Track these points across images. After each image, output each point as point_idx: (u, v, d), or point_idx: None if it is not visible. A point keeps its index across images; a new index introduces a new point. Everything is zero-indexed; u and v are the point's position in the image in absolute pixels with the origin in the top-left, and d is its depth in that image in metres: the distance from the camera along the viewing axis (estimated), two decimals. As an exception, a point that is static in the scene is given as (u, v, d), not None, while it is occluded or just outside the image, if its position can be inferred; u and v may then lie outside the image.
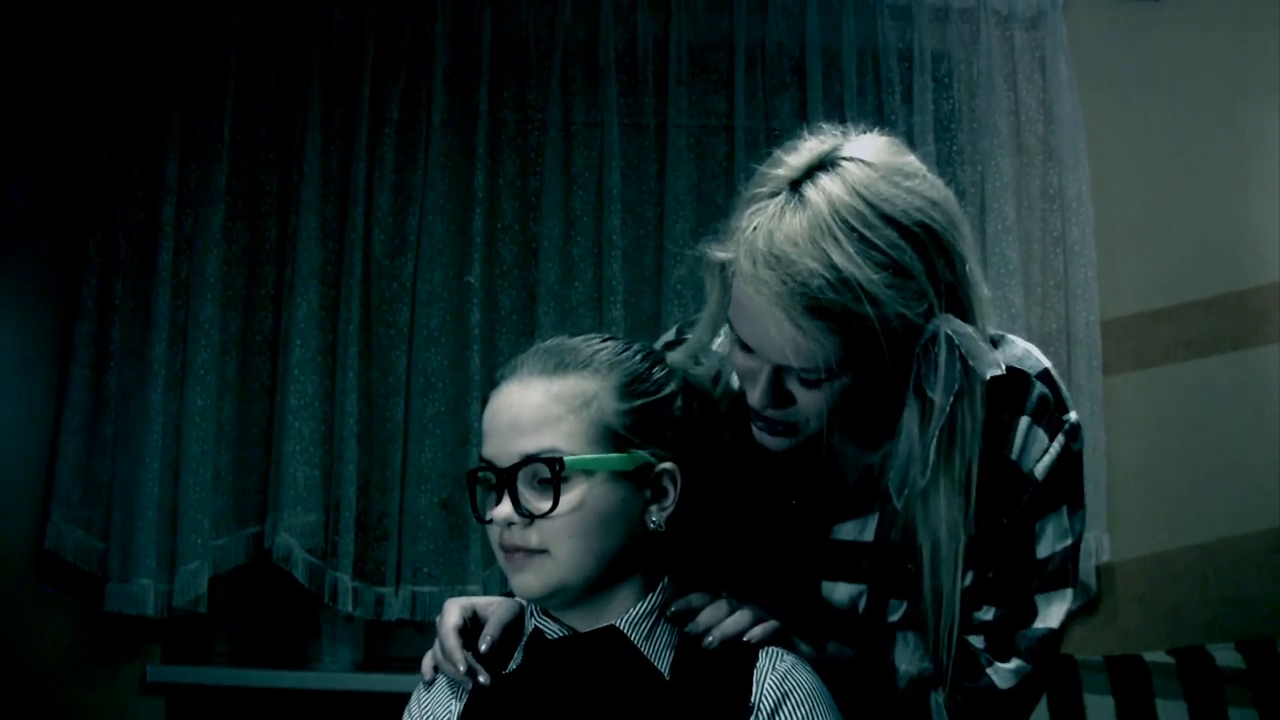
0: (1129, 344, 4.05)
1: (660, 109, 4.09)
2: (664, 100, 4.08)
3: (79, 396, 3.90)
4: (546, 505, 1.75)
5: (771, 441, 1.84)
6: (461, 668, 1.84)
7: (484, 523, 1.81)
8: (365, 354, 3.98)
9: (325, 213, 4.01)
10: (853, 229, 1.64)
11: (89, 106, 3.97)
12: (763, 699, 1.76)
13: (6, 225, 3.89)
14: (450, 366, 3.98)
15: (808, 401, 1.75)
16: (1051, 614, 1.89)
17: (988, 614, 1.90)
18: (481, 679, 1.83)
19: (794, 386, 1.75)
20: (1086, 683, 3.56)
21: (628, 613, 1.81)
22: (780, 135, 4.01)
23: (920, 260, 1.67)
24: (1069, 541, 1.90)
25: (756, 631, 1.82)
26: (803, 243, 1.64)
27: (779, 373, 1.74)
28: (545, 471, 1.75)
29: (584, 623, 1.82)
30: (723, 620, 1.82)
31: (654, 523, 1.81)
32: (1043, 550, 1.88)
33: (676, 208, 3.99)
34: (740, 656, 1.81)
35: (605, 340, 1.87)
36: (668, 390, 1.85)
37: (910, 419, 1.75)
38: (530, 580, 1.77)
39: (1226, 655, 3.63)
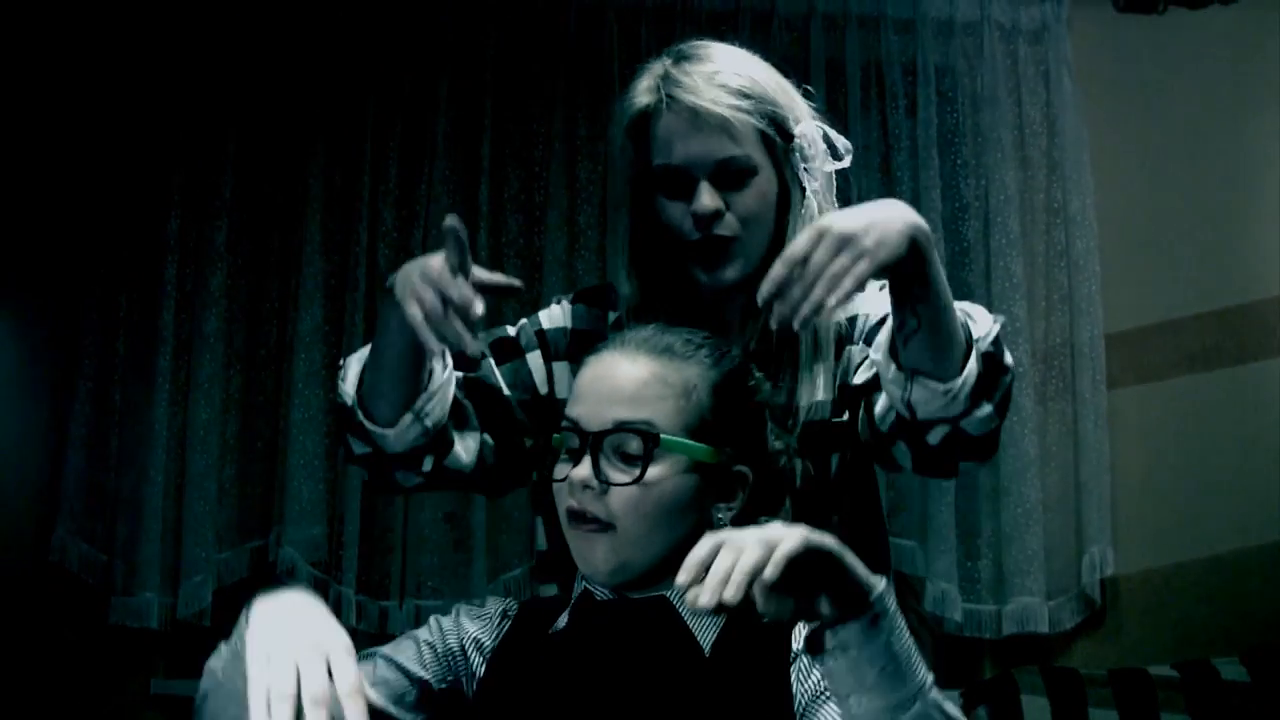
0: (1133, 357, 4.06)
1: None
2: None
3: (84, 410, 3.91)
4: (627, 477, 1.76)
5: (716, 271, 2.07)
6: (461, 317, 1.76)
7: (556, 481, 1.82)
8: (370, 368, 3.97)
9: (330, 226, 4.02)
10: (737, 57, 2.13)
11: (95, 120, 3.97)
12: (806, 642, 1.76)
13: (10, 239, 3.89)
14: (455, 380, 3.98)
15: (738, 206, 2.05)
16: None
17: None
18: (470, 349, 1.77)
19: (726, 194, 2.04)
20: (1091, 697, 3.55)
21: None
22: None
23: (784, 80, 2.16)
24: None
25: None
26: (709, 63, 2.09)
27: (713, 179, 2.03)
28: (633, 444, 1.77)
29: (633, 590, 1.82)
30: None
31: (719, 520, 1.82)
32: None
33: (681, 221, 3.99)
34: (779, 630, 1.78)
35: (706, 338, 1.91)
36: (760, 397, 1.92)
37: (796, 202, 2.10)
38: (598, 554, 1.78)
39: (1231, 669, 3.63)
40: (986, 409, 1.92)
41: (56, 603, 3.89)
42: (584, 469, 1.77)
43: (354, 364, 2.06)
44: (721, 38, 3.85)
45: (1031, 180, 4.08)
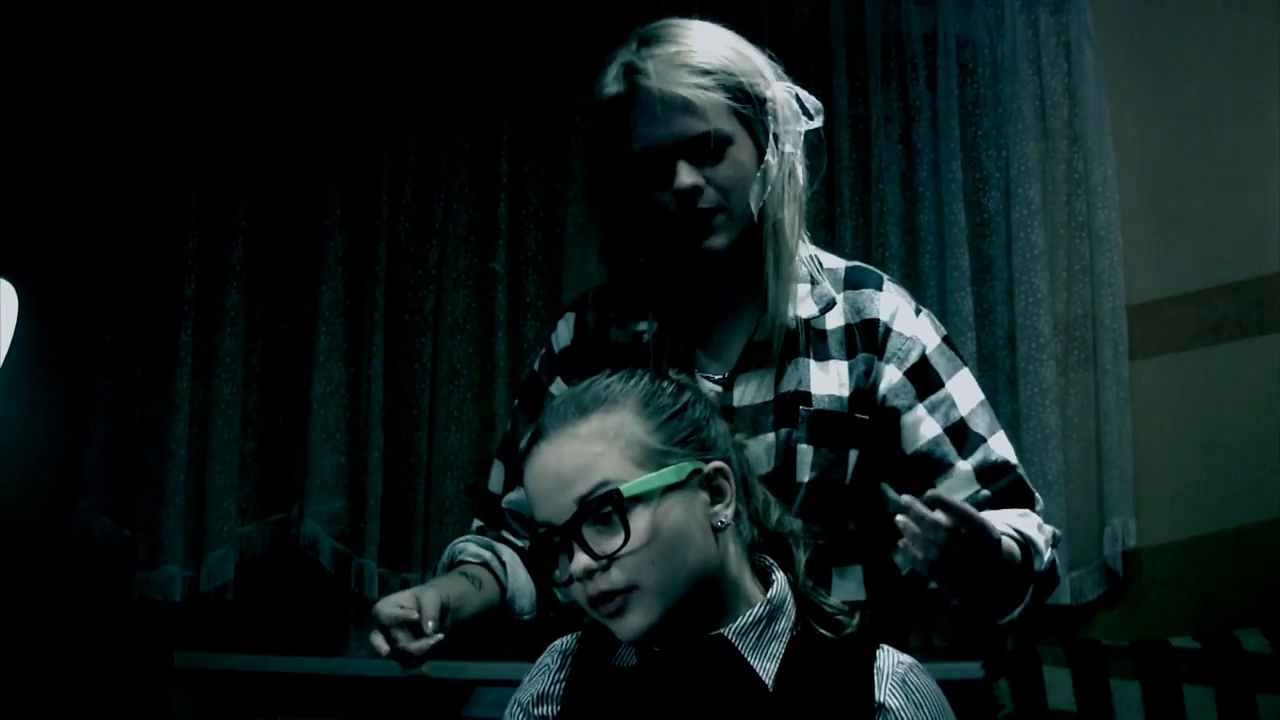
0: (1155, 329, 4.04)
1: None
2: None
3: (105, 384, 3.92)
4: (618, 541, 1.75)
5: (702, 243, 2.12)
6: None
7: (565, 585, 1.83)
8: (391, 341, 3.98)
9: (350, 200, 4.02)
10: (700, 34, 2.15)
11: (120, 96, 3.98)
12: (890, 697, 1.77)
13: (33, 209, 3.89)
14: (476, 353, 4.00)
15: (716, 178, 2.09)
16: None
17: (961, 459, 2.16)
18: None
19: (703, 170, 2.09)
20: (1113, 668, 3.55)
21: (735, 622, 1.81)
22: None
23: (750, 48, 2.17)
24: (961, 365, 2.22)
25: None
26: (672, 44, 2.12)
27: (689, 157, 2.08)
28: (603, 510, 1.76)
29: (686, 634, 1.82)
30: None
31: (721, 523, 1.82)
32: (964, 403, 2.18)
33: (700, 192, 3.99)
34: (854, 657, 1.81)
35: (609, 376, 1.91)
36: (685, 397, 1.89)
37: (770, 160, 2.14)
38: (633, 620, 1.77)
39: (1253, 640, 3.62)
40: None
41: (79, 577, 3.90)
42: (579, 560, 1.77)
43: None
44: (742, 11, 3.86)
45: (1052, 151, 4.06)
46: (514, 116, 4.06)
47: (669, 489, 1.78)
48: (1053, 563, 2.07)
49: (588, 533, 1.76)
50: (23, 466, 3.81)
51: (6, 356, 2.75)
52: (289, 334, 4.03)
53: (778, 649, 1.81)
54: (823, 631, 1.84)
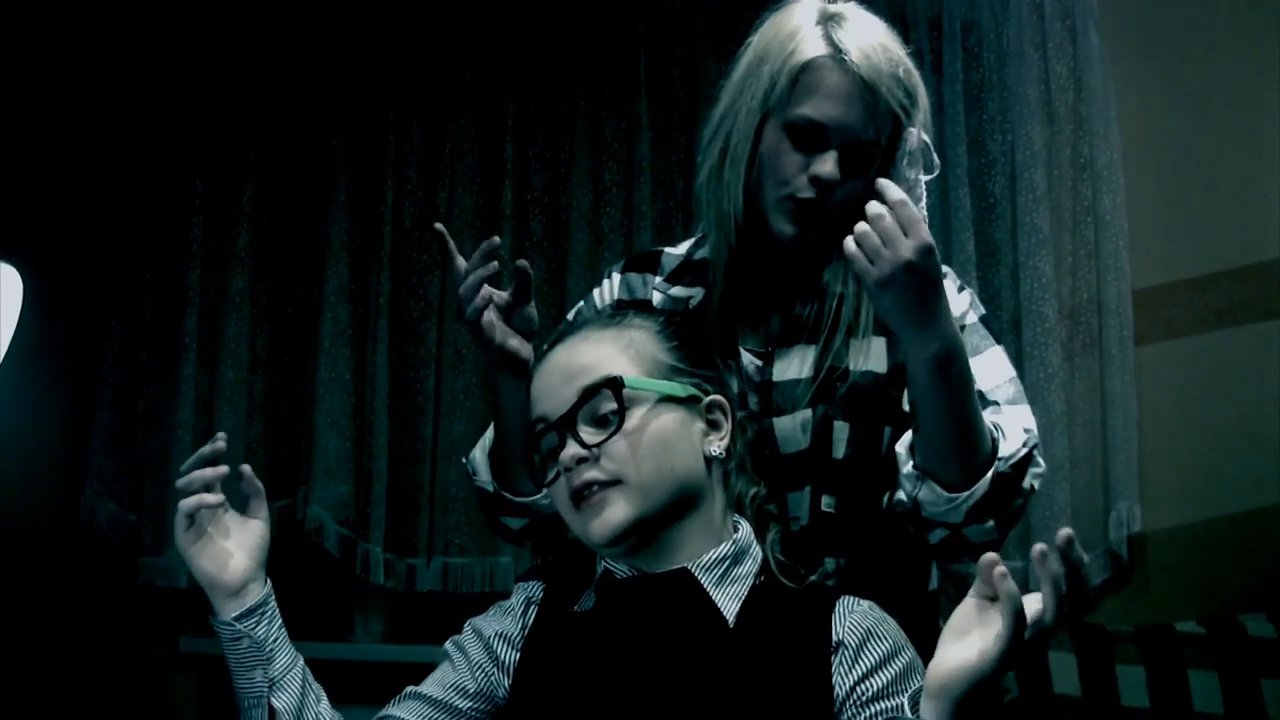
0: (1160, 314, 4.03)
1: (689, 79, 4.08)
2: (694, 70, 4.07)
3: (111, 371, 3.92)
4: (610, 430, 1.80)
5: (804, 231, 2.10)
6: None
7: (551, 483, 1.85)
8: (395, 326, 3.99)
9: (355, 184, 4.03)
10: (893, 38, 2.11)
11: (125, 85, 3.97)
12: (848, 634, 1.78)
13: (38, 199, 3.89)
14: (481, 338, 3.99)
15: (849, 185, 2.06)
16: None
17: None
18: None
19: (844, 170, 2.05)
20: (1118, 653, 3.55)
21: (700, 557, 1.84)
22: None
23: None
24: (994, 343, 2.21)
25: None
26: (887, 41, 2.07)
27: (847, 151, 2.05)
28: (603, 405, 1.81)
29: (653, 566, 1.85)
30: None
31: (713, 453, 1.87)
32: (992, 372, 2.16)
33: (706, 177, 3.98)
34: (815, 603, 1.83)
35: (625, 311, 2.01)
36: (700, 340, 1.99)
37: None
38: (611, 515, 1.80)
39: (1258, 625, 3.62)
40: (988, 524, 2.01)
41: (85, 563, 3.90)
42: (569, 449, 1.81)
43: (480, 456, 2.20)
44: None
45: (1058, 135, 4.05)
46: (518, 101, 4.06)
47: (668, 399, 1.85)
48: (1020, 465, 2.00)
49: (583, 424, 1.82)
50: (29, 452, 3.82)
51: (11, 342, 2.75)
52: (293, 319, 4.04)
53: (741, 590, 1.84)
54: (786, 582, 1.86)
